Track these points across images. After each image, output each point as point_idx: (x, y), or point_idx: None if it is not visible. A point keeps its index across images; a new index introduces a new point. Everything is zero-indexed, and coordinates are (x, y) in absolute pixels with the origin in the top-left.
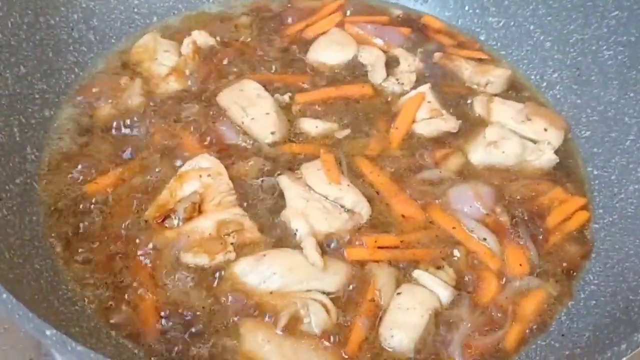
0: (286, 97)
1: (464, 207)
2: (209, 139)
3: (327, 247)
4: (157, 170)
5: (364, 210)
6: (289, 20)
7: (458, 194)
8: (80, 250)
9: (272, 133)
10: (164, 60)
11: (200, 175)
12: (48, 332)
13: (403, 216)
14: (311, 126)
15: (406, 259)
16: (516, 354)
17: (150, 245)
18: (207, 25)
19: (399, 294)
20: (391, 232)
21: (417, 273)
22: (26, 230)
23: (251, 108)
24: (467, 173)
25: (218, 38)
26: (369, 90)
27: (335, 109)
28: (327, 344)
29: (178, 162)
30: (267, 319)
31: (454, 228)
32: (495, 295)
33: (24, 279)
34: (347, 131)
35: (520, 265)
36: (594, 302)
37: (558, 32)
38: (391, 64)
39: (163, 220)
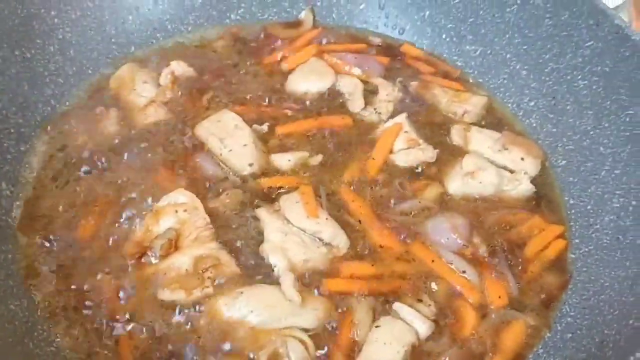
0: (265, 127)
1: (442, 239)
2: (187, 171)
3: (305, 281)
4: (133, 205)
5: (342, 243)
6: (266, 50)
7: (435, 226)
8: (56, 288)
9: (250, 165)
10: (142, 92)
11: (177, 210)
12: None
13: (381, 247)
14: (283, 160)
15: (384, 290)
16: None
17: (128, 284)
18: (185, 54)
19: (377, 327)
20: (369, 263)
21: (396, 306)
22: (1, 270)
23: (229, 139)
24: (445, 203)
25: (196, 68)
26: (349, 121)
27: (312, 140)
28: None
29: (154, 197)
30: (245, 357)
31: (432, 261)
32: (474, 328)
33: None
34: (319, 157)
35: (500, 297)
36: (570, 335)
37: (534, 61)
38: (369, 93)
39: (140, 258)
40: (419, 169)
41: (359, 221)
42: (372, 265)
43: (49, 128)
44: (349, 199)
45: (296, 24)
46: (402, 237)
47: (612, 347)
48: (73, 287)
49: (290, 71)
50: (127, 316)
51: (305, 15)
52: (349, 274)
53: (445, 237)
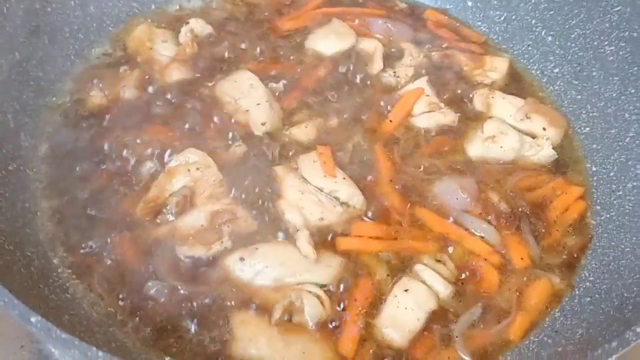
0: (280, 85)
1: (451, 200)
2: (202, 130)
3: (320, 239)
4: (147, 164)
5: (358, 203)
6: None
7: (443, 188)
8: (72, 239)
9: (263, 124)
10: (162, 50)
11: (189, 169)
12: (33, 319)
13: (394, 209)
14: (301, 130)
15: (400, 250)
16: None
17: (144, 239)
18: (203, 13)
19: (404, 290)
20: (384, 224)
21: (418, 268)
22: (18, 217)
23: (244, 99)
24: (464, 167)
25: (215, 26)
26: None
27: (327, 103)
28: (319, 335)
29: (167, 157)
30: (260, 311)
31: (447, 234)
32: (496, 287)
33: (14, 265)
34: (335, 120)
35: (522, 259)
36: (589, 299)
37: (560, 27)
38: (393, 56)
39: (154, 217)
40: (440, 133)
41: (373, 183)
42: (387, 225)
43: (67, 82)
44: (377, 157)
45: None
46: (411, 202)
47: (631, 309)
48: (90, 239)
49: (310, 30)
50: (142, 271)
51: None
52: (363, 233)
53: (454, 198)
